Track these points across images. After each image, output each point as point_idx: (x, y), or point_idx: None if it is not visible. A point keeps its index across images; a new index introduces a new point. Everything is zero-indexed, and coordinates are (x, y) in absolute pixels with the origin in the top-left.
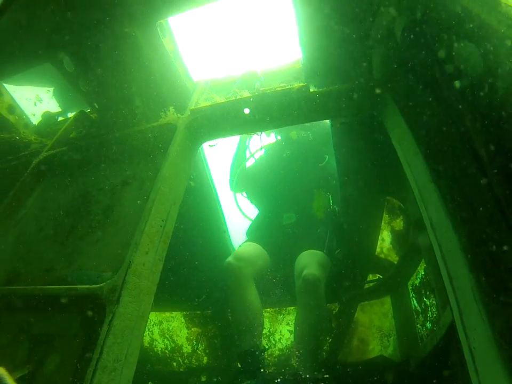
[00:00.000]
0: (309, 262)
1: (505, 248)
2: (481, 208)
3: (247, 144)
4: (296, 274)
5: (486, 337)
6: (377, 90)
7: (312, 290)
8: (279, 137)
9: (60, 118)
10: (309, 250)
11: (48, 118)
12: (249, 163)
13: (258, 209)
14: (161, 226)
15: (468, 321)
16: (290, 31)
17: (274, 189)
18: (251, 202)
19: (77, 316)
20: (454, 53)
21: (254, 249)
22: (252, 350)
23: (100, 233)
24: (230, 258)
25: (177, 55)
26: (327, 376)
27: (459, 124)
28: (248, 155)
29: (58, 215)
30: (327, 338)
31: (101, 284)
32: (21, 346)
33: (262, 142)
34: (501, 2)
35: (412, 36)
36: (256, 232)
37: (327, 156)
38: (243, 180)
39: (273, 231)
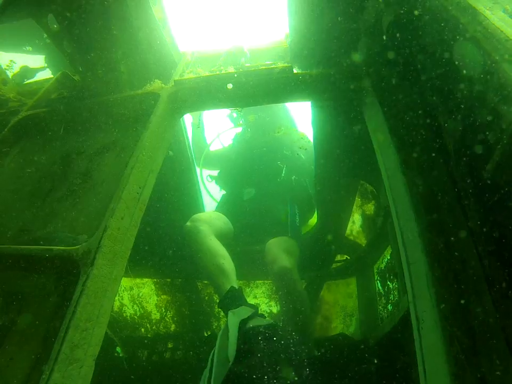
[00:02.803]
0: (278, 253)
1: (460, 240)
2: (442, 201)
3: (201, 119)
4: (268, 266)
5: (433, 319)
6: (359, 79)
7: (287, 283)
8: (241, 121)
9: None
10: (274, 239)
11: (26, 72)
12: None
13: (225, 191)
14: (138, 193)
15: (420, 304)
16: (281, 8)
17: (237, 168)
18: (219, 186)
19: (51, 276)
20: (435, 49)
21: (213, 213)
22: (232, 288)
23: (77, 197)
24: (187, 222)
25: (165, 24)
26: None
27: (432, 119)
28: (213, 137)
29: (36, 176)
30: (314, 316)
31: (77, 246)
32: None
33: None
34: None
35: (397, 30)
36: (220, 209)
37: (283, 128)
38: (208, 161)
39: (235, 207)
